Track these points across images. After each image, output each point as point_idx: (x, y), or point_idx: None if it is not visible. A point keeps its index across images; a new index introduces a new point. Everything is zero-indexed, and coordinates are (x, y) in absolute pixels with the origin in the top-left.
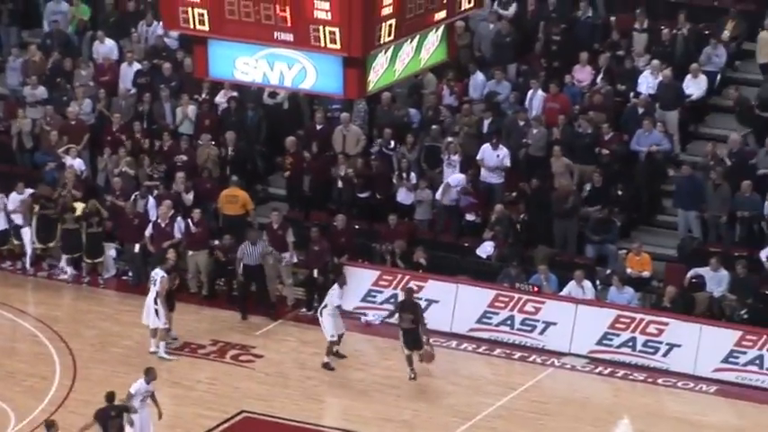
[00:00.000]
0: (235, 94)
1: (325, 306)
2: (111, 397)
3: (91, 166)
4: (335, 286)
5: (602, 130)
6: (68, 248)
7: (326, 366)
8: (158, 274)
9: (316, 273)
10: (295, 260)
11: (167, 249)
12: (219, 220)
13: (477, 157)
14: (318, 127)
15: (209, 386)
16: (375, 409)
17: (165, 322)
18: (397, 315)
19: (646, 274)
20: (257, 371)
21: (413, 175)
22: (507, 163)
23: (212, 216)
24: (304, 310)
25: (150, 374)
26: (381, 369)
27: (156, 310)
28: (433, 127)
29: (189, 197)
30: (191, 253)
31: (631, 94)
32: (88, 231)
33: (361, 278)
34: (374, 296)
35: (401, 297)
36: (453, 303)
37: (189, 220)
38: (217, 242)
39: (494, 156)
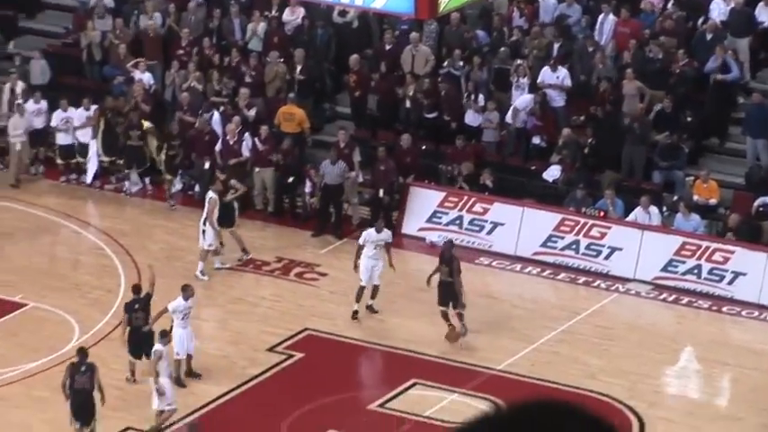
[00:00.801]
0: (304, 12)
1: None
2: (137, 289)
3: (160, 81)
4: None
5: (675, 55)
6: (133, 163)
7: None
8: (208, 195)
9: (381, 192)
10: (361, 179)
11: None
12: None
13: (538, 80)
14: (387, 47)
15: (273, 303)
16: (437, 331)
17: (211, 243)
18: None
19: (713, 201)
20: (321, 289)
21: (481, 96)
22: (568, 83)
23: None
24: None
25: (187, 291)
26: None
27: (204, 231)
28: (502, 49)
29: (251, 113)
30: (257, 170)
31: (700, 20)
32: (168, 153)
33: (426, 199)
34: (439, 217)
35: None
36: (518, 227)
37: (256, 138)
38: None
39: (553, 77)
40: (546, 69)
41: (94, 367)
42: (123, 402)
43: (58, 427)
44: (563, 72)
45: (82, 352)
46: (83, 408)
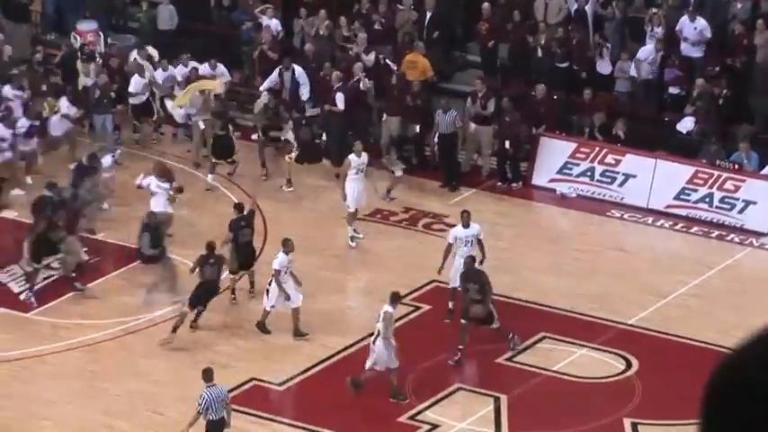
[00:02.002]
0: None
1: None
2: (240, 207)
3: (286, 28)
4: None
5: None
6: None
7: None
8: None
9: (507, 144)
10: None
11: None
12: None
13: (676, 29)
14: None
15: (400, 254)
16: (567, 284)
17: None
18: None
19: None
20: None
21: (609, 46)
22: (707, 35)
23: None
24: (499, 183)
25: (288, 246)
26: (576, 242)
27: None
28: None
29: (369, 58)
30: (384, 117)
31: None
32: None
33: (557, 150)
34: (570, 169)
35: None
36: (651, 178)
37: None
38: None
39: (691, 28)
40: (684, 19)
41: (223, 260)
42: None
43: (180, 378)
44: (702, 23)
45: (210, 247)
46: (206, 297)
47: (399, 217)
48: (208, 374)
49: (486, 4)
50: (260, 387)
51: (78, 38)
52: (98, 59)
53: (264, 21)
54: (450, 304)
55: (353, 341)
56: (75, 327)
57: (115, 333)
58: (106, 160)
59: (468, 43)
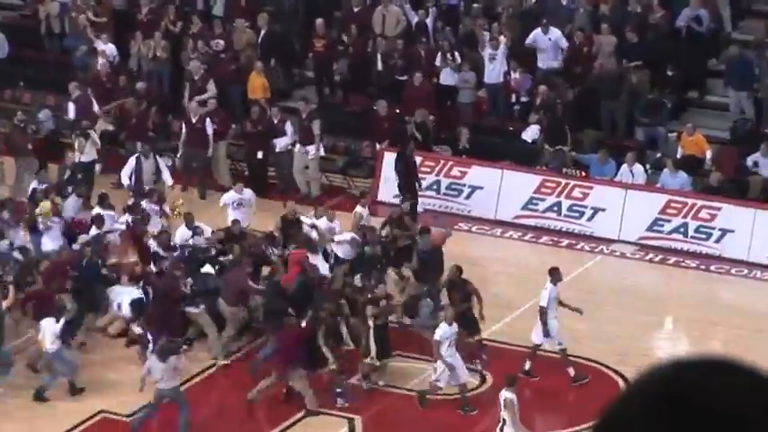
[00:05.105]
0: None
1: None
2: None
3: (120, 52)
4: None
5: (651, 7)
6: None
7: None
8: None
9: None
10: (322, 153)
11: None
12: None
13: (528, 42)
14: (356, 9)
15: None
16: None
17: None
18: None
19: (708, 153)
20: None
21: (456, 55)
22: (563, 44)
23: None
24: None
25: (556, 275)
26: None
27: None
28: (474, 5)
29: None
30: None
31: None
32: None
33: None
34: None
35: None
36: (498, 189)
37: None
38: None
39: (545, 39)
40: (537, 32)
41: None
42: None
43: None
44: (556, 33)
45: None
46: None
47: None
48: None
49: (319, 20)
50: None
51: None
52: None
53: (100, 46)
54: None
55: None
56: None
57: None
58: None
59: (306, 60)
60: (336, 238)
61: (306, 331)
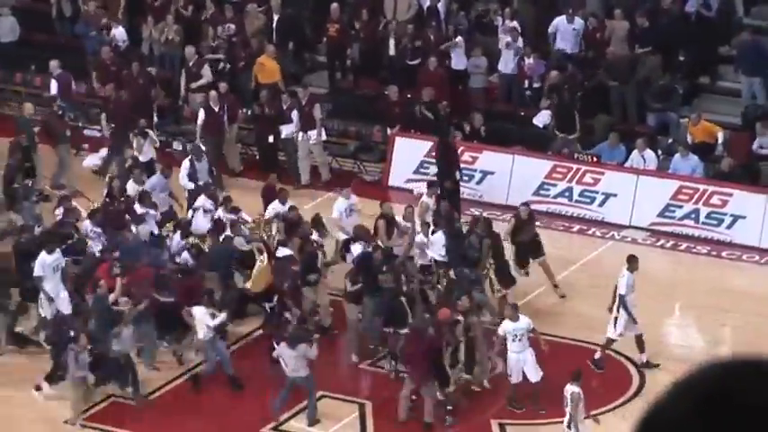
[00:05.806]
0: None
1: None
2: None
3: (131, 37)
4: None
5: None
6: None
7: None
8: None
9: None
10: (324, 137)
11: None
12: None
13: (550, 30)
14: None
15: None
16: None
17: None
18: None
19: (720, 136)
20: None
21: (460, 39)
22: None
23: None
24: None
25: (633, 263)
26: None
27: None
28: None
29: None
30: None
31: None
32: None
33: (413, 150)
34: (426, 168)
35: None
36: (509, 175)
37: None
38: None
39: (570, 29)
40: (562, 19)
41: None
42: None
43: None
44: (579, 23)
45: None
46: None
47: None
48: None
49: (334, 5)
50: None
51: None
52: None
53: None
54: None
55: None
56: None
57: None
58: None
59: (318, 44)
60: (417, 239)
61: (435, 346)
